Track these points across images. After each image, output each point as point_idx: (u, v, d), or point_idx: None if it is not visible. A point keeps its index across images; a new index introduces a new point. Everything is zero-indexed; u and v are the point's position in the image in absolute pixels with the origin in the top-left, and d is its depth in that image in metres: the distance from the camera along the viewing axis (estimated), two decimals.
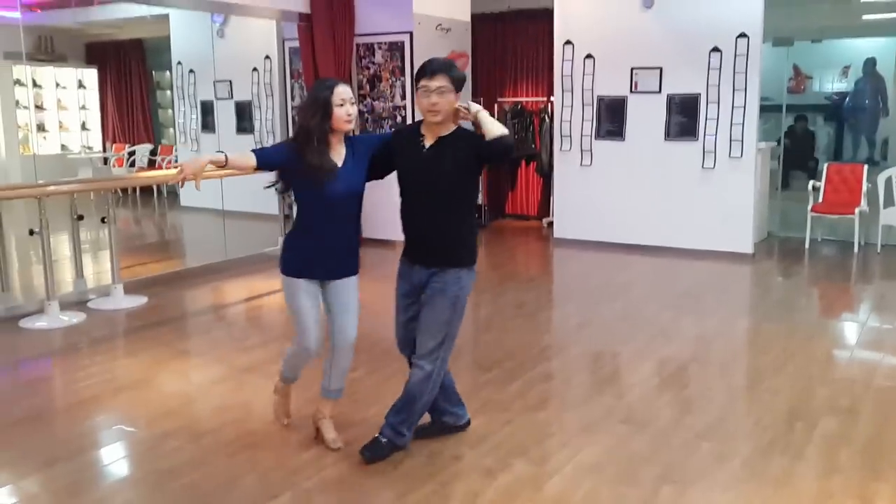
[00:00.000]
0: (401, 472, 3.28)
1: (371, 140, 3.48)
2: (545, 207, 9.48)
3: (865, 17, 9.74)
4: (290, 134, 8.56)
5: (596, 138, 8.02)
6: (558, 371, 4.65)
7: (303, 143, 3.19)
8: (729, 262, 7.33)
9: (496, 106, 9.52)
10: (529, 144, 9.42)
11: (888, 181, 7.73)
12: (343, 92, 3.20)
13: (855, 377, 4.42)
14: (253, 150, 3.18)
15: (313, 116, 3.18)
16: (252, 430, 3.69)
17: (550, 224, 8.74)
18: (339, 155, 3.25)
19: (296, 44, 8.08)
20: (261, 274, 7.03)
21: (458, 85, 3.15)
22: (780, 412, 3.87)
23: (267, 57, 8.90)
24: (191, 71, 9.87)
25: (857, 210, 7.53)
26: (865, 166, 7.92)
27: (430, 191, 3.19)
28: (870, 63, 11.11)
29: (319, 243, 3.29)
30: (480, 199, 9.38)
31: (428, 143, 3.21)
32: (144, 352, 4.92)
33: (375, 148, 3.35)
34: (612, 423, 3.77)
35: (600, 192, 7.93)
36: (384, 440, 3.35)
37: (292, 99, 8.63)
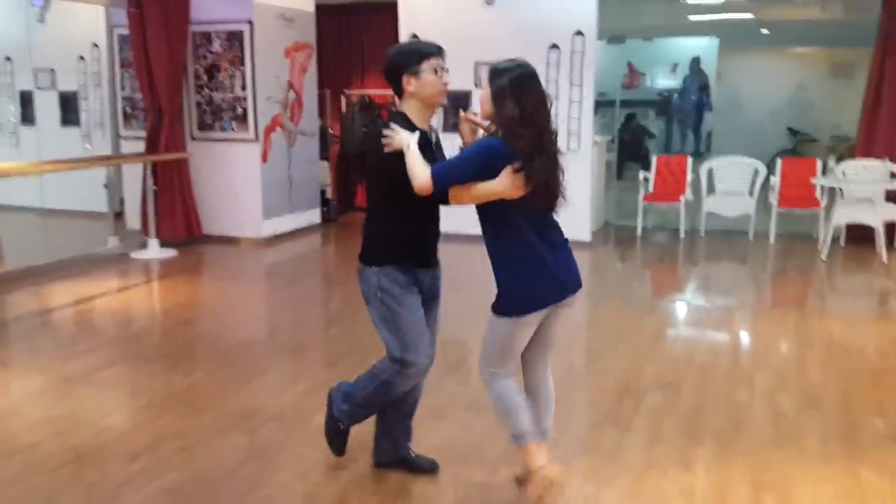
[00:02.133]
0: (240, 476, 3.16)
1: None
2: None
3: (691, 17, 10.46)
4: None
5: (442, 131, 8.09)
6: None
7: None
8: None
9: (343, 99, 9.42)
10: None
11: (710, 171, 8.34)
12: None
13: (679, 353, 4.74)
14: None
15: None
16: (76, 444, 3.44)
17: None
18: None
19: (126, 31, 7.60)
20: (87, 276, 6.55)
21: None
22: (611, 389, 4.08)
23: (95, 45, 8.33)
24: (7, 58, 9.07)
25: (682, 198, 8.08)
26: (689, 157, 8.51)
27: None
28: (695, 61, 12.00)
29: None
30: (329, 194, 9.24)
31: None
32: None
33: None
34: (457, 409, 3.82)
35: None
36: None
37: (122, 89, 8.12)
